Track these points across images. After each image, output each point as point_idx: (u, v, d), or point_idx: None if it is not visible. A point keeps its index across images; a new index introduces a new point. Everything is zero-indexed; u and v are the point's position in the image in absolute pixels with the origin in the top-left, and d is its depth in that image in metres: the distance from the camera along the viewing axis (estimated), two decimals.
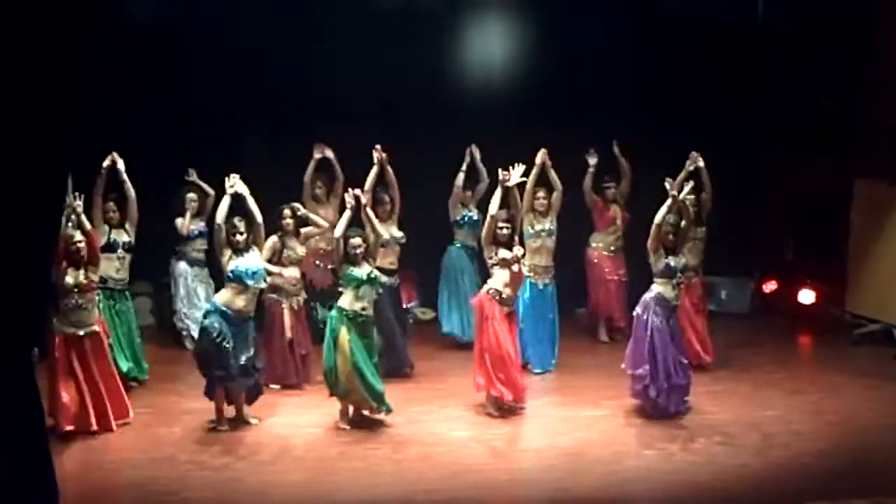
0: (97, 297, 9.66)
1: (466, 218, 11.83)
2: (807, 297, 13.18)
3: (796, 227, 13.78)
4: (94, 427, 9.17)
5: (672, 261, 9.65)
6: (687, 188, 9.88)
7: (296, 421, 9.61)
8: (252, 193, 9.53)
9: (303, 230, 10.67)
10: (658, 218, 9.63)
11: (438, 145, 12.31)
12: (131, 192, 10.44)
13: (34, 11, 6.22)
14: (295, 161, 11.77)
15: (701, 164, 10.78)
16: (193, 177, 11.58)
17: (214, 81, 12.42)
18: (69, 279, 9.10)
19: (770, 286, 13.65)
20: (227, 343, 9.17)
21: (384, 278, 10.26)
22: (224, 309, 9.24)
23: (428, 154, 12.21)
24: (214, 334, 9.15)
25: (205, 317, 9.33)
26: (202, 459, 8.80)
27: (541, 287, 11.15)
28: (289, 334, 10.43)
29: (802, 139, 13.48)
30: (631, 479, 8.45)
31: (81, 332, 9.19)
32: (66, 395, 9.07)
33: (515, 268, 9.61)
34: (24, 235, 6.48)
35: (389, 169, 10.88)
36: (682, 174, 10.54)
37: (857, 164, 12.63)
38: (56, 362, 9.10)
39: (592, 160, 11.80)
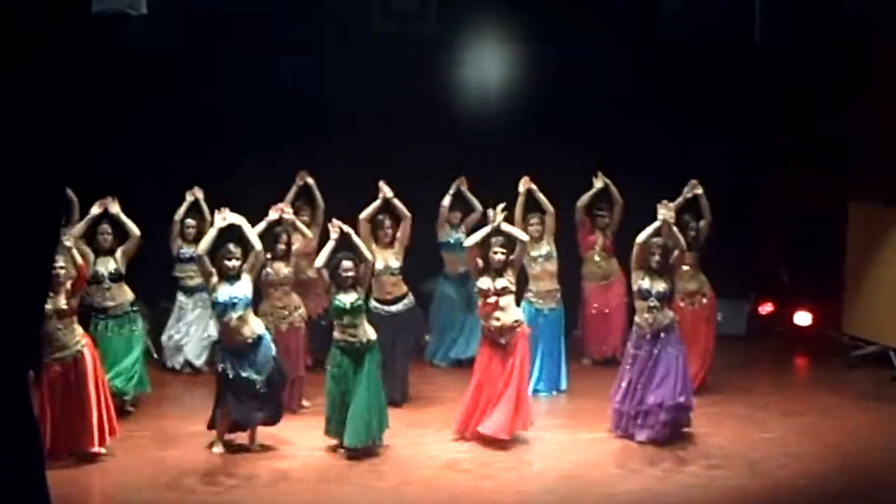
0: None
1: (453, 240, 11.85)
2: (803, 318, 13.18)
3: (792, 248, 13.81)
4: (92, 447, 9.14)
5: (645, 283, 9.58)
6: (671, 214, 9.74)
7: (294, 443, 9.58)
8: (250, 215, 9.54)
9: (294, 248, 10.57)
10: (641, 237, 9.58)
11: (435, 167, 12.39)
12: (135, 230, 10.40)
13: (35, 31, 6.23)
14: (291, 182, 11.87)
15: (700, 191, 10.80)
16: (199, 195, 11.50)
17: (214, 102, 12.49)
18: (48, 305, 9.07)
19: (766, 308, 13.64)
20: (229, 373, 9.14)
21: (390, 308, 10.40)
22: (219, 341, 9.31)
23: (424, 176, 12.26)
24: (219, 369, 9.21)
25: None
26: (200, 483, 8.78)
27: (546, 312, 11.12)
28: None
29: (798, 160, 13.52)
30: (627, 501, 8.44)
31: (62, 356, 9.13)
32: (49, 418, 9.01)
33: (491, 300, 9.51)
34: (21, 257, 6.47)
35: (399, 203, 10.68)
36: (680, 200, 10.57)
37: (853, 184, 12.67)
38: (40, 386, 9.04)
39: (598, 183, 11.76)
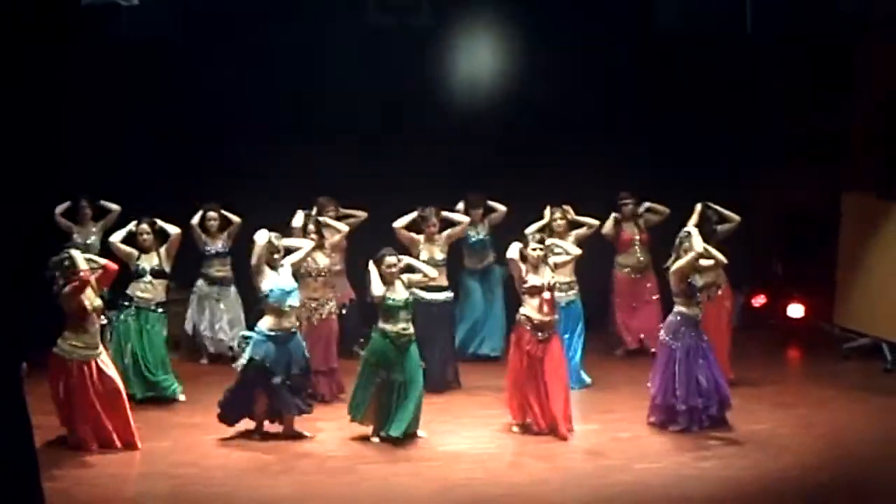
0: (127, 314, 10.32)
1: (475, 239, 11.85)
2: (796, 310, 13.19)
3: (785, 240, 13.82)
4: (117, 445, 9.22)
5: (694, 279, 9.68)
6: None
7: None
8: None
9: (328, 241, 10.61)
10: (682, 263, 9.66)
11: (431, 160, 12.43)
12: (175, 230, 10.71)
13: (24, 21, 6.23)
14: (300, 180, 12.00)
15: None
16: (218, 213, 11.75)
17: (207, 93, 12.50)
18: (88, 303, 9.11)
19: (759, 300, 13.64)
20: (271, 366, 9.20)
21: (428, 295, 10.49)
22: (271, 333, 9.25)
23: (419, 169, 12.30)
24: (261, 363, 9.20)
25: (253, 346, 9.27)
26: (192, 474, 8.78)
27: (563, 304, 10.83)
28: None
29: (791, 152, 13.53)
30: (620, 493, 8.44)
31: (91, 354, 9.16)
32: (83, 417, 9.12)
33: (546, 295, 9.52)
34: (10, 251, 6.48)
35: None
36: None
37: (846, 176, 12.69)
38: (72, 384, 9.09)
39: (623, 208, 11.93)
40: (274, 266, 9.38)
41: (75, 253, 9.20)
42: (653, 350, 10.61)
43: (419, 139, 12.77)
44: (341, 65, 12.79)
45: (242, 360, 9.30)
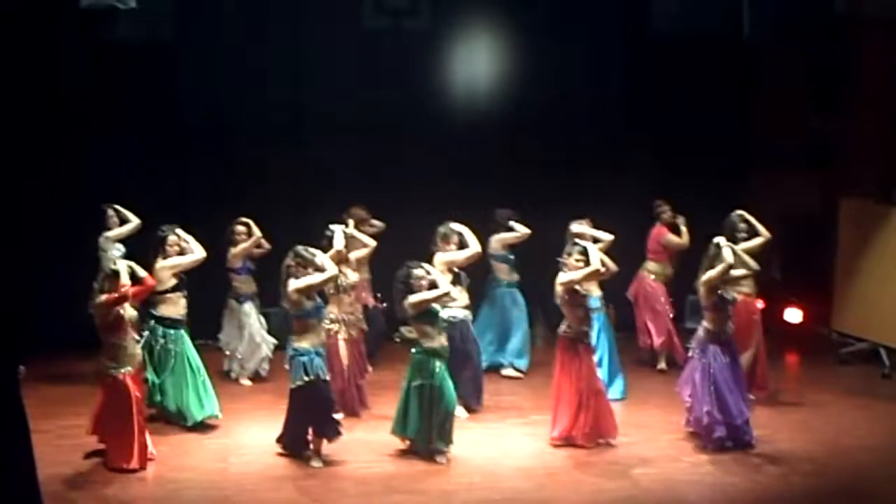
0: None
1: (502, 252, 11.64)
2: (793, 315, 13.19)
3: (783, 245, 13.81)
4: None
5: (727, 293, 9.56)
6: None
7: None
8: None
9: (352, 255, 10.35)
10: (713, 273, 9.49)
11: (426, 163, 12.42)
12: (200, 252, 10.18)
13: (21, 25, 6.21)
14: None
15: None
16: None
17: (204, 97, 12.45)
18: (125, 314, 9.02)
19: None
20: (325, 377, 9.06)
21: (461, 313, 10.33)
22: (320, 350, 9.09)
23: (415, 172, 12.31)
24: (320, 380, 9.00)
25: (305, 369, 8.95)
26: (188, 478, 8.77)
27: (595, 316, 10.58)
28: (345, 363, 10.15)
29: (789, 158, 13.53)
30: (619, 498, 8.46)
31: (130, 368, 9.01)
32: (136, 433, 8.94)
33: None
34: (6, 256, 6.46)
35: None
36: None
37: (844, 182, 12.69)
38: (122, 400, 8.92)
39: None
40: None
41: (121, 265, 9.03)
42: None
43: (416, 142, 12.75)
44: (338, 67, 12.77)
45: (302, 379, 8.95)
